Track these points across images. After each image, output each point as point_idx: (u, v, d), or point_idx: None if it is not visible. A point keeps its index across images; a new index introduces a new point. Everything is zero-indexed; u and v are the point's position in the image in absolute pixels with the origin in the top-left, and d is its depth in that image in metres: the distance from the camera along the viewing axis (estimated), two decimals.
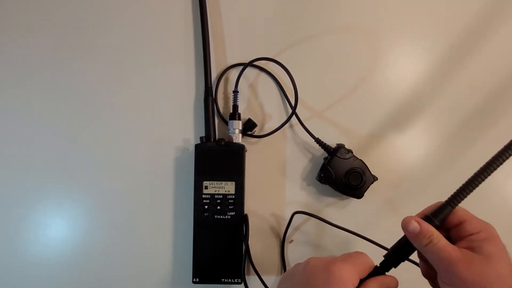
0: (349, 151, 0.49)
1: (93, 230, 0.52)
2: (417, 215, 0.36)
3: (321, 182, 0.50)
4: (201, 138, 0.50)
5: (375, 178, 0.49)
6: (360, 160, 0.49)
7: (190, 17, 0.54)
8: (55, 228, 0.52)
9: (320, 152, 0.52)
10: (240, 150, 0.49)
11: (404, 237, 0.35)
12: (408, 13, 0.54)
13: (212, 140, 0.50)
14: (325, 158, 0.50)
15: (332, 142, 0.50)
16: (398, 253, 0.36)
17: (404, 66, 0.54)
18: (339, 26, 0.54)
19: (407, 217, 0.34)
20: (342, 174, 0.48)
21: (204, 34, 0.51)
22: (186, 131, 0.53)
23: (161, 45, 0.54)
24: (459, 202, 0.35)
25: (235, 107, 0.50)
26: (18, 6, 0.54)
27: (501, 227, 0.52)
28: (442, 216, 0.35)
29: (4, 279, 0.52)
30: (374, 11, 0.54)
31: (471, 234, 0.33)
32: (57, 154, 0.53)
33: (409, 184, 0.52)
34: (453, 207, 0.35)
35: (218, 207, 0.48)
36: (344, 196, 0.50)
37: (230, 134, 0.50)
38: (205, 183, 0.48)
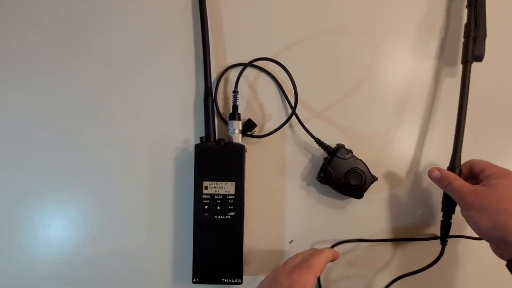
0: (349, 151, 0.49)
1: (93, 230, 0.52)
2: None
3: (321, 182, 0.50)
4: (201, 138, 0.50)
5: (375, 178, 0.49)
6: (360, 160, 0.49)
7: (190, 17, 0.54)
8: (55, 228, 0.52)
9: (320, 152, 0.52)
10: (240, 150, 0.49)
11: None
12: (408, 13, 0.54)
13: (212, 140, 0.50)
14: (325, 158, 0.50)
15: (332, 142, 0.50)
16: (447, 203, 0.48)
17: (404, 66, 0.54)
18: (339, 26, 0.54)
19: (431, 167, 0.46)
20: (342, 174, 0.48)
21: (204, 34, 0.51)
22: (186, 131, 0.53)
23: (161, 45, 0.54)
24: (459, 146, 0.47)
25: (235, 107, 0.50)
26: (18, 6, 0.54)
27: None
28: (457, 162, 0.47)
29: (5, 279, 0.52)
30: (374, 11, 0.54)
31: (488, 176, 0.42)
32: (57, 154, 0.53)
33: (409, 185, 0.52)
34: (458, 151, 0.47)
35: (218, 207, 0.48)
36: (344, 196, 0.50)
37: (230, 134, 0.50)
38: (205, 183, 0.48)
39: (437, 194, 0.52)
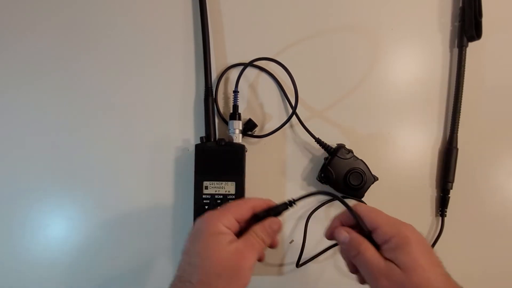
0: (350, 151, 0.49)
1: (93, 230, 0.52)
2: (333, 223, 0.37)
3: (321, 182, 0.50)
4: (201, 138, 0.50)
5: (375, 178, 0.49)
6: (361, 160, 0.49)
7: (190, 17, 0.54)
8: (55, 228, 0.52)
9: (321, 152, 0.52)
10: (240, 150, 0.49)
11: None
12: (408, 13, 0.54)
13: (212, 140, 0.50)
14: (326, 158, 0.50)
15: (332, 142, 0.50)
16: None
17: (404, 66, 0.54)
18: (339, 26, 0.54)
19: (339, 228, 0.36)
20: (342, 174, 0.48)
21: (204, 34, 0.51)
22: (186, 131, 0.53)
23: (161, 45, 0.54)
24: (456, 126, 0.50)
25: (235, 107, 0.50)
26: (19, 6, 0.54)
27: (501, 227, 0.53)
28: (453, 142, 0.50)
29: (4, 279, 0.52)
30: (374, 11, 0.54)
31: (385, 242, 0.33)
32: (57, 154, 0.53)
33: (409, 184, 0.52)
34: (455, 131, 0.49)
35: (218, 207, 0.48)
36: (345, 196, 0.50)
37: (230, 134, 0.50)
38: (205, 183, 0.48)
39: (438, 196, 0.52)
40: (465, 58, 0.51)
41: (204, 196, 0.48)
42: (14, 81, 0.53)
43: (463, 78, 0.51)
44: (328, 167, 0.48)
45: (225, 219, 0.35)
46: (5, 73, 0.54)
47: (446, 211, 0.51)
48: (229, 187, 0.48)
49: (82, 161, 0.53)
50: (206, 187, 0.48)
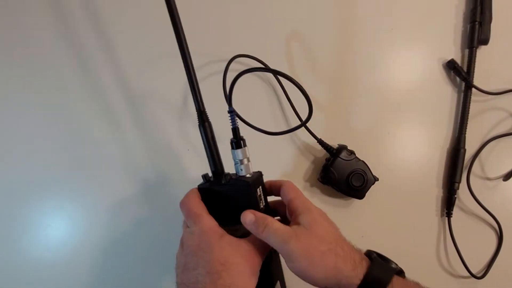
0: (351, 152, 0.49)
1: (93, 230, 0.52)
2: None
3: (323, 183, 0.50)
4: (203, 176, 0.40)
5: (376, 179, 0.49)
6: (362, 161, 0.49)
7: None
8: (56, 228, 0.52)
9: (323, 153, 0.52)
10: (252, 187, 0.38)
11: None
12: (408, 13, 0.53)
13: (220, 172, 0.39)
14: (327, 159, 0.50)
15: (333, 142, 0.50)
16: None
17: (405, 66, 0.54)
18: (339, 26, 0.53)
19: (245, 211, 0.37)
20: (344, 175, 0.48)
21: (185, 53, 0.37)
22: (186, 131, 0.52)
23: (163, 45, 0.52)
24: (464, 127, 0.51)
25: (236, 130, 0.38)
26: (19, 5, 0.52)
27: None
28: (461, 143, 0.51)
29: (5, 278, 0.52)
30: (374, 11, 0.53)
31: (293, 212, 0.38)
32: (58, 154, 0.52)
33: (410, 185, 0.53)
34: (463, 132, 0.50)
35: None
36: (346, 197, 0.51)
37: (236, 166, 0.39)
38: None
39: (438, 196, 0.53)
40: (475, 60, 0.51)
41: None
42: (15, 81, 0.52)
43: (472, 82, 0.51)
44: (330, 168, 0.49)
45: (212, 220, 0.37)
46: (5, 72, 0.52)
47: (452, 212, 0.52)
48: None
49: (82, 161, 0.52)
50: None
